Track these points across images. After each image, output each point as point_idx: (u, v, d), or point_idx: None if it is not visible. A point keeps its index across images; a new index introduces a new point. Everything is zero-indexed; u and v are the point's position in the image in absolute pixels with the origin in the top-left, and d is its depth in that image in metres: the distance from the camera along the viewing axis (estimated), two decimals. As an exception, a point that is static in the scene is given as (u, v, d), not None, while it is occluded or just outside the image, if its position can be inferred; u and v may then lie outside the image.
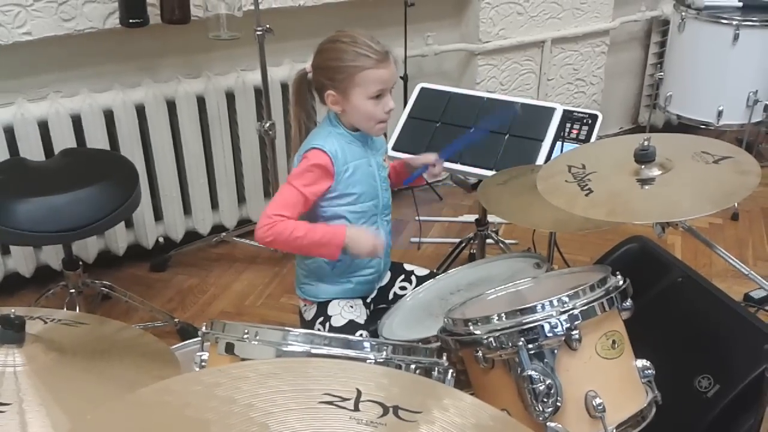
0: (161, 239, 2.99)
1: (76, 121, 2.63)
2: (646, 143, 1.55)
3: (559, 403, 1.29)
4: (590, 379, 1.33)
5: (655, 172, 1.56)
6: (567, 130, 2.33)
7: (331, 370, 0.78)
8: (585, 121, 2.33)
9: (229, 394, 0.77)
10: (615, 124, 3.89)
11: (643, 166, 1.57)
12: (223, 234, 3.00)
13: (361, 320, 1.91)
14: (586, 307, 1.32)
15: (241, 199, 3.08)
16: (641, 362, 1.43)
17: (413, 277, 2.04)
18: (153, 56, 2.75)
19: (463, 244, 2.74)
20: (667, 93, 3.42)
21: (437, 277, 1.96)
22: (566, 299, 1.31)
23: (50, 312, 1.41)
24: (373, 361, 1.10)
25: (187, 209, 2.98)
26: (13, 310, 1.23)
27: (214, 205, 3.02)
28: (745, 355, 1.67)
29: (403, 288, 2.01)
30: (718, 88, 3.28)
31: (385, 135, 2.00)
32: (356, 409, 0.71)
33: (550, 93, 3.43)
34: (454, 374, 1.22)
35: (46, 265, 2.77)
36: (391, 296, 2.01)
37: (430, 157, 2.04)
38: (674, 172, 1.55)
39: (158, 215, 2.93)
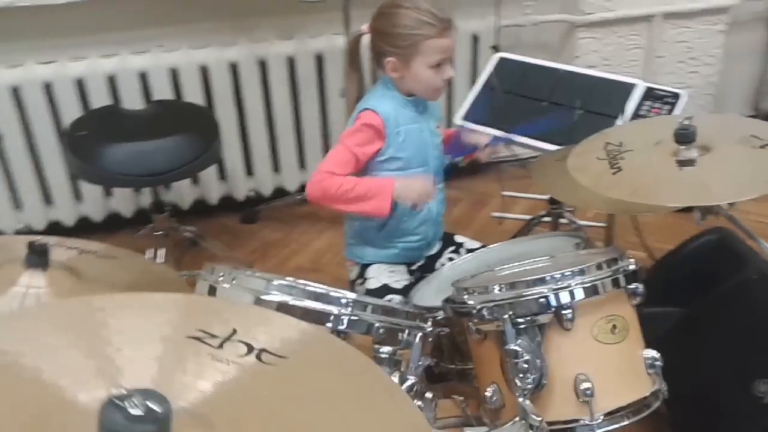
0: (252, 193, 3.12)
1: (175, 75, 2.79)
2: (686, 122, 1.45)
3: (544, 381, 1.26)
4: (582, 361, 1.28)
5: (694, 153, 1.46)
6: (647, 108, 2.20)
7: (222, 309, 0.80)
8: (666, 99, 2.19)
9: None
10: (733, 109, 3.57)
11: (683, 147, 1.47)
12: (309, 192, 3.09)
13: (399, 285, 1.90)
14: (581, 286, 1.27)
15: (328, 159, 3.15)
16: (650, 352, 1.36)
17: (462, 250, 2.01)
18: (249, 16, 2.85)
19: (535, 222, 2.66)
20: (795, 78, 3.13)
21: (479, 250, 1.93)
22: (559, 276, 1.27)
23: (85, 243, 1.53)
24: (336, 314, 1.12)
25: (276, 166, 3.09)
26: (38, 238, 1.36)
27: (302, 164, 3.12)
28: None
29: (451, 260, 1.99)
30: None
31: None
32: (220, 347, 0.72)
33: (660, 71, 3.21)
34: (423, 338, 1.22)
35: (144, 207, 2.97)
36: (437, 266, 2.00)
37: (483, 138, 1.99)
38: (715, 155, 1.44)
39: (249, 170, 3.07)
